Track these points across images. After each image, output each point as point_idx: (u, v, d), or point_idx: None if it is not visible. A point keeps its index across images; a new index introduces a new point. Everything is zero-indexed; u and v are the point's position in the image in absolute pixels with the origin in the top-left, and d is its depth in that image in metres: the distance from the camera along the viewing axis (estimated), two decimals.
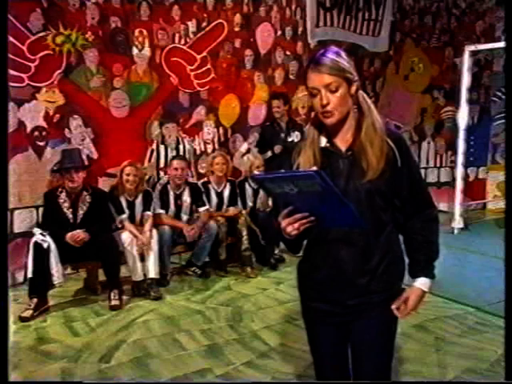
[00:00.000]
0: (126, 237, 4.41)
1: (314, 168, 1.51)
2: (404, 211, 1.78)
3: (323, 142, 1.77)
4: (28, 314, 3.90)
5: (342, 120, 1.72)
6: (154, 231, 4.55)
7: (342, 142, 1.76)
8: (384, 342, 1.83)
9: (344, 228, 1.67)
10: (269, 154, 5.50)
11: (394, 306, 1.77)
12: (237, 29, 5.83)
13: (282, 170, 1.55)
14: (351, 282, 1.75)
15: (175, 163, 4.88)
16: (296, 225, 1.61)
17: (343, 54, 1.71)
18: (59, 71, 4.80)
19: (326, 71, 1.65)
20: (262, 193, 5.36)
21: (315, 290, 1.83)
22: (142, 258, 4.45)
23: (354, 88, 1.71)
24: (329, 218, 1.60)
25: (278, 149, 5.43)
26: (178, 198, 4.94)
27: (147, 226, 4.55)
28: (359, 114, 1.74)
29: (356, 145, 1.72)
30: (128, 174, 4.57)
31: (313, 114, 1.83)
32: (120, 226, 4.55)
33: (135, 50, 5.23)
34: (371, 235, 1.72)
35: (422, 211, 1.78)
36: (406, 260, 1.84)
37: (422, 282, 1.79)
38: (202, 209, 4.98)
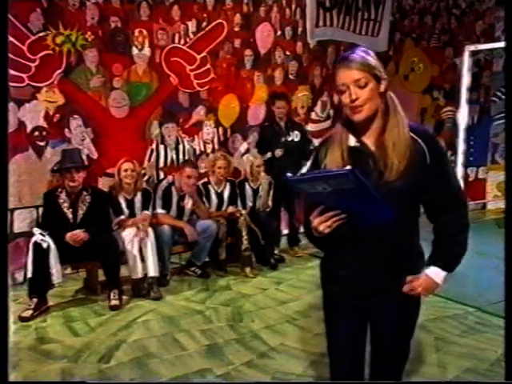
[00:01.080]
0: (126, 234, 4.41)
1: (348, 167, 1.53)
2: (435, 207, 1.81)
3: (352, 141, 1.78)
4: (28, 313, 3.90)
5: (370, 118, 1.74)
6: (151, 230, 4.50)
7: (371, 141, 1.77)
8: (405, 325, 1.91)
9: (375, 225, 1.69)
10: (268, 155, 5.50)
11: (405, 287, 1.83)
12: (237, 29, 5.83)
13: (316, 171, 1.61)
14: (381, 278, 1.80)
15: (188, 171, 4.83)
16: (328, 223, 1.64)
17: (372, 53, 1.75)
18: (59, 71, 4.79)
19: (355, 67, 1.68)
20: (261, 193, 5.37)
21: (343, 285, 1.86)
22: (143, 258, 4.44)
23: (382, 86, 1.73)
24: (360, 214, 1.63)
25: (278, 152, 5.43)
26: (181, 199, 4.94)
27: (144, 224, 4.52)
28: (386, 115, 1.76)
29: (380, 147, 1.74)
30: (126, 170, 4.57)
31: (328, 116, 1.87)
32: (116, 227, 4.54)
33: (135, 50, 5.22)
34: (401, 232, 1.77)
35: (453, 207, 1.80)
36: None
37: (430, 271, 1.81)
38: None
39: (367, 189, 1.54)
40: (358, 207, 1.60)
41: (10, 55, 4.21)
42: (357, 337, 1.92)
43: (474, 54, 6.62)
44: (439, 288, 1.86)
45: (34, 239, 4.05)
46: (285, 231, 5.90)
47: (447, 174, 1.80)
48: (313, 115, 6.53)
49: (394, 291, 1.82)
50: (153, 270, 4.43)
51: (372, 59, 1.71)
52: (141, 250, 4.43)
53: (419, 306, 1.92)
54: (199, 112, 5.69)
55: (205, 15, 5.60)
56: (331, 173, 1.56)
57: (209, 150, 5.79)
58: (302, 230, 6.00)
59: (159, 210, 4.80)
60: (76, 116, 4.93)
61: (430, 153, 1.74)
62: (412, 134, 1.75)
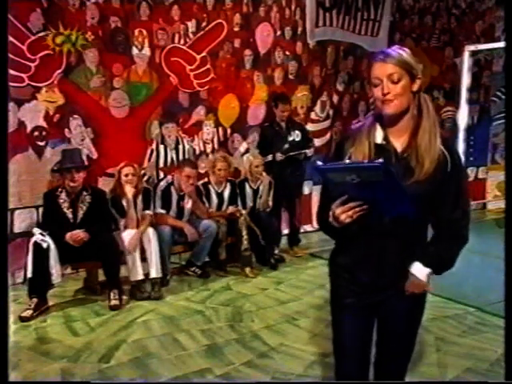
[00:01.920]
0: (126, 235, 4.41)
1: (381, 160, 1.55)
2: (440, 213, 1.83)
3: (379, 138, 1.80)
4: (28, 313, 3.90)
5: (400, 114, 1.75)
6: (152, 231, 4.50)
7: (398, 141, 1.79)
8: (412, 320, 1.95)
9: (392, 220, 1.73)
10: (269, 157, 5.49)
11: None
12: (236, 29, 5.82)
13: (348, 161, 1.65)
14: (392, 275, 1.84)
15: (188, 171, 4.81)
16: (350, 213, 1.66)
17: (410, 52, 1.77)
18: (59, 71, 4.79)
19: (391, 62, 1.71)
20: (261, 193, 5.37)
21: (353, 280, 1.88)
22: (143, 258, 4.44)
23: (416, 85, 1.75)
24: (382, 207, 1.66)
25: (279, 157, 5.43)
26: (181, 199, 4.93)
27: (143, 226, 4.50)
28: (418, 116, 1.77)
29: (412, 147, 1.75)
30: (126, 175, 4.56)
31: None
32: (124, 227, 4.53)
33: (135, 50, 5.22)
34: (416, 232, 1.82)
35: (456, 218, 1.83)
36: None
37: (413, 267, 1.84)
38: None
39: (395, 183, 1.55)
40: (381, 200, 1.63)
41: (10, 55, 4.20)
42: (364, 333, 1.93)
43: (474, 54, 6.63)
44: (424, 285, 1.86)
45: (33, 239, 4.05)
46: (285, 231, 5.90)
47: (460, 185, 1.82)
48: (312, 115, 6.53)
49: (402, 288, 1.85)
50: (156, 271, 4.41)
51: (408, 57, 1.74)
52: (141, 251, 4.42)
53: (424, 302, 1.96)
54: (199, 112, 5.69)
55: (204, 15, 5.59)
56: (364, 164, 1.59)
57: (209, 150, 5.78)
58: (302, 230, 6.03)
59: (159, 210, 4.80)
60: (76, 116, 4.93)
61: (451, 160, 1.77)
62: None
